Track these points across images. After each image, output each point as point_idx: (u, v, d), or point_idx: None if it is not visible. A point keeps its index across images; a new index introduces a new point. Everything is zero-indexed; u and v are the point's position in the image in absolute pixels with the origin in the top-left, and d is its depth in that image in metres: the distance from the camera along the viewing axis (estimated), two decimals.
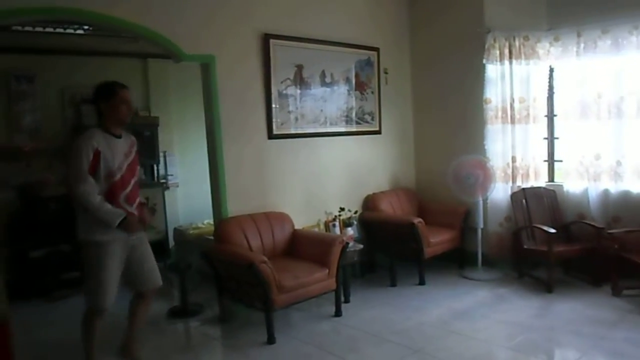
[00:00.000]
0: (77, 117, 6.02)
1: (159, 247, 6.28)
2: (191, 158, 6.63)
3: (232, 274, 4.16)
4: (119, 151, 3.20)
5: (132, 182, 3.27)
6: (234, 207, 4.53)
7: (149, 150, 6.47)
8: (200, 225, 6.06)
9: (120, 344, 3.50)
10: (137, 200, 3.31)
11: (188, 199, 6.75)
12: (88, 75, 6.10)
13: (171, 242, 6.38)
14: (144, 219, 3.34)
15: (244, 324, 4.25)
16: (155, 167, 6.60)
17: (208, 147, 4.56)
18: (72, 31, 5.45)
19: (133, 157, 3.32)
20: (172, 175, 6.74)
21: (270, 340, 3.85)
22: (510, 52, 5.29)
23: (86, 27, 5.30)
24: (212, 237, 4.62)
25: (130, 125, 6.15)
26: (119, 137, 3.25)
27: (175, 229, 6.25)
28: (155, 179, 6.59)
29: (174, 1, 4.17)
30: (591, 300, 4.47)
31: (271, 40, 4.73)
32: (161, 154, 6.62)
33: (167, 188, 6.63)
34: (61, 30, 5.39)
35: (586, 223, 4.95)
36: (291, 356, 3.68)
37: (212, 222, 4.95)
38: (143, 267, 3.34)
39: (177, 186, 6.80)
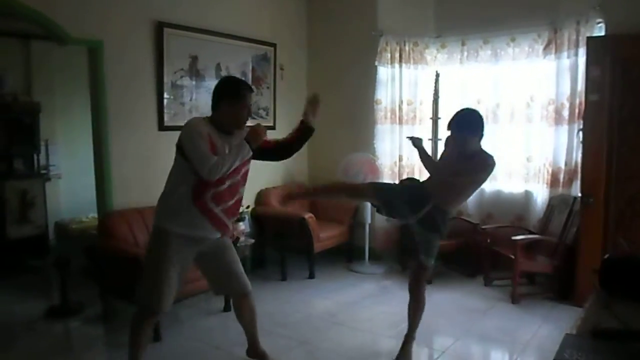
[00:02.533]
0: None
1: (38, 243, 5.92)
2: (76, 147, 6.25)
3: (115, 270, 4.00)
4: (222, 148, 2.83)
5: (240, 191, 3.01)
6: (120, 200, 4.36)
7: (28, 138, 6.05)
8: (84, 219, 5.76)
9: (247, 347, 3.39)
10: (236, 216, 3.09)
11: (72, 192, 6.36)
12: None
13: (52, 237, 6.00)
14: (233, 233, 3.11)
15: (127, 323, 4.07)
16: (35, 157, 6.17)
17: (93, 136, 4.36)
18: None
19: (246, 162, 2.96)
20: (54, 165, 6.33)
21: (156, 337, 3.74)
22: (400, 56, 5.55)
23: None
24: (96, 232, 4.41)
25: (8, 110, 5.84)
26: (231, 134, 2.91)
27: (56, 223, 5.89)
28: (36, 169, 6.17)
29: None
30: (466, 290, 4.83)
31: (165, 29, 4.60)
32: (42, 143, 6.20)
33: (49, 179, 6.22)
34: None
35: (463, 219, 5.32)
36: (177, 353, 3.62)
37: (97, 216, 4.72)
38: (225, 275, 3.13)
39: (60, 177, 6.40)
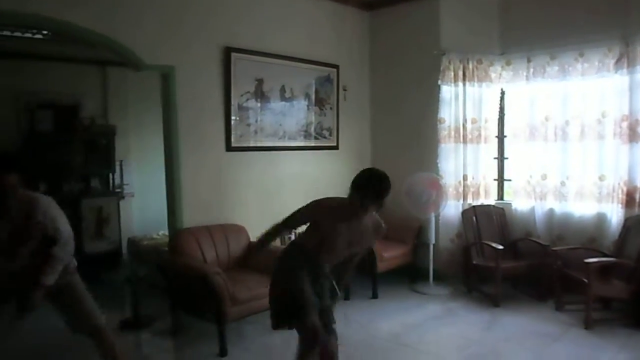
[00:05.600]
0: (31, 123, 5.90)
1: (112, 258, 6.22)
2: (148, 167, 6.55)
3: (185, 286, 4.13)
4: None
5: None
6: (190, 218, 4.52)
7: (104, 159, 6.42)
8: (155, 236, 5.99)
9: None
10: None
11: (144, 209, 6.67)
12: (45, 81, 6.07)
13: (125, 253, 6.28)
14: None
15: (196, 337, 4.23)
16: (110, 176, 6.52)
17: (165, 157, 4.55)
18: (30, 35, 5.35)
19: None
20: (127, 184, 6.66)
21: (222, 352, 3.84)
22: (464, 74, 5.48)
23: (45, 32, 5.22)
24: (166, 249, 4.59)
25: (86, 132, 6.23)
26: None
27: (129, 239, 6.16)
28: (111, 188, 6.51)
29: (135, 10, 4.17)
30: (536, 314, 4.64)
31: (232, 54, 4.77)
32: (117, 163, 6.54)
33: (122, 198, 6.55)
34: (19, 34, 5.29)
35: (532, 240, 5.16)
36: None
37: (167, 233, 4.91)
38: (74, 314, 3.11)
39: (133, 196, 6.72)
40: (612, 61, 4.78)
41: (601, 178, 4.94)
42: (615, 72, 4.77)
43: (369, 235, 2.93)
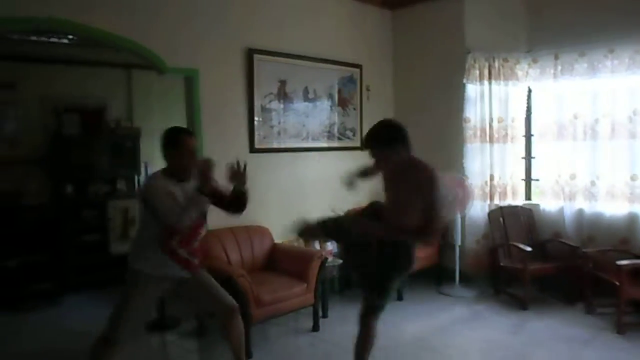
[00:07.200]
0: (58, 127, 5.98)
1: None
2: None
3: None
4: (180, 196, 3.00)
5: (201, 232, 3.21)
6: (213, 220, 4.50)
7: (130, 161, 6.47)
8: None
9: None
10: (195, 244, 3.16)
11: None
12: (71, 84, 6.15)
13: None
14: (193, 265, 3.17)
15: (220, 338, 4.20)
16: (136, 178, 6.56)
17: None
18: (56, 40, 5.43)
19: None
20: None
21: (247, 354, 3.82)
22: (489, 73, 5.39)
23: (70, 36, 5.29)
24: None
25: (112, 135, 6.30)
26: (185, 181, 3.07)
27: None
28: (136, 189, 6.56)
29: (158, 13, 4.21)
30: (565, 317, 4.55)
31: (255, 55, 4.78)
32: (142, 165, 6.59)
33: None
34: (45, 39, 5.38)
35: (562, 242, 5.05)
36: None
37: None
38: (208, 300, 3.27)
39: None
40: None
41: (633, 178, 4.80)
42: None
43: (406, 180, 3.01)
